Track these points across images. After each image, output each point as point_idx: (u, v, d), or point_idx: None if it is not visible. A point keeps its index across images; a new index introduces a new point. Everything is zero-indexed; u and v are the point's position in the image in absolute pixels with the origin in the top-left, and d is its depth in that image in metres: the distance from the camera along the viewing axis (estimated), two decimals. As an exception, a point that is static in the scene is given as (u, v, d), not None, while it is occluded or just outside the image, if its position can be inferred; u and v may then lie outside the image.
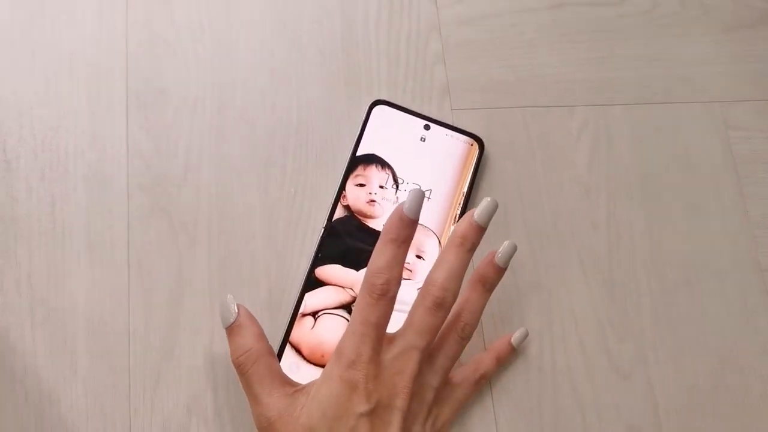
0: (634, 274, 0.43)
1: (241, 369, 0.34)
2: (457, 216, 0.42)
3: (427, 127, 0.43)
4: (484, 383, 0.39)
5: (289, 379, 0.35)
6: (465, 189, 0.42)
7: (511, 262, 0.37)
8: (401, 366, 0.33)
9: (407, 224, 0.33)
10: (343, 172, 0.42)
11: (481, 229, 0.35)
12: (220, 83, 0.44)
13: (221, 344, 0.39)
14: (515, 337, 0.40)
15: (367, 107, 0.43)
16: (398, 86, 0.45)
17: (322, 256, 0.40)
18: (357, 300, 0.34)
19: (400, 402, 0.33)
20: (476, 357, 0.39)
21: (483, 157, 0.43)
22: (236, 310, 0.35)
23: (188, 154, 0.42)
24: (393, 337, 0.34)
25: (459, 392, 0.37)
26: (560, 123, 0.45)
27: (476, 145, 0.43)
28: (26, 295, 0.39)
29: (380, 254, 0.34)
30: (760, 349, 0.42)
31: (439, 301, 0.34)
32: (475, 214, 0.35)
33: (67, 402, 0.38)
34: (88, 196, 0.41)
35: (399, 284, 0.34)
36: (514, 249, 0.37)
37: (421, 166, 0.43)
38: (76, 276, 0.40)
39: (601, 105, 0.46)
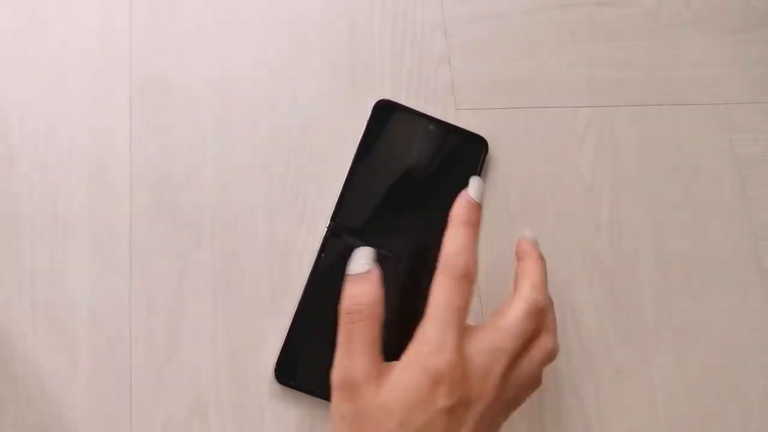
0: (637, 276, 0.43)
1: (348, 317, 0.33)
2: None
3: (431, 127, 0.43)
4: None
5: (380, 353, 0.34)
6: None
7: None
8: (487, 367, 0.32)
9: (475, 208, 0.36)
10: (346, 173, 0.42)
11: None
12: (225, 81, 0.43)
13: (224, 343, 0.39)
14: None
15: (371, 107, 0.43)
16: (402, 86, 0.44)
17: (325, 256, 0.40)
18: (435, 283, 0.34)
19: (480, 407, 0.32)
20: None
21: (487, 158, 0.43)
22: (371, 265, 0.35)
23: (191, 152, 0.42)
24: (472, 330, 0.33)
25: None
26: (564, 124, 0.45)
27: (480, 146, 0.43)
28: (27, 294, 0.39)
29: (455, 237, 0.35)
30: (762, 349, 0.42)
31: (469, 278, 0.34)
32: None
33: (69, 402, 0.38)
34: (90, 193, 0.41)
35: (477, 267, 0.34)
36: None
37: (425, 166, 0.43)
38: (78, 274, 0.39)
39: (605, 106, 0.46)
